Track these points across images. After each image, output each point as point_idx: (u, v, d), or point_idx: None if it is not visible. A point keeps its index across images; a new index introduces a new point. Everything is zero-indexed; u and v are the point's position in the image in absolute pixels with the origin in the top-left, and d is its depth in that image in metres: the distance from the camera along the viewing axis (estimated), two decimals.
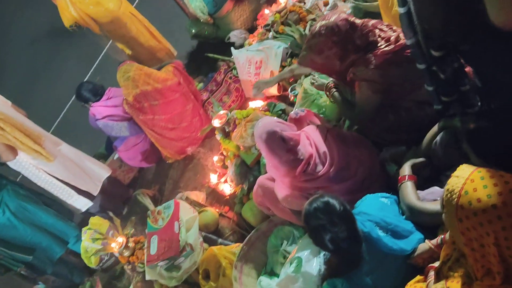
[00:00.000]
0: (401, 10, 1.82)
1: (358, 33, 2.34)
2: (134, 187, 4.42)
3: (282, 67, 3.55)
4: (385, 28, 2.38)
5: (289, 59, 3.57)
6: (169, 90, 3.79)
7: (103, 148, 4.78)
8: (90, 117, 4.06)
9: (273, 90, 3.52)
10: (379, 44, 2.32)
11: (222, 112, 3.50)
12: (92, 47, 6.29)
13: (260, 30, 4.06)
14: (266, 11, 4.22)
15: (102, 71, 6.32)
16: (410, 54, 1.98)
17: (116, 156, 4.45)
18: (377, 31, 2.36)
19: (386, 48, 2.28)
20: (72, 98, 5.96)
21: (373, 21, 2.42)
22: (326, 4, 3.82)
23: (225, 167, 3.47)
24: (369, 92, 2.34)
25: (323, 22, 2.35)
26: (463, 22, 1.57)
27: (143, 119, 3.84)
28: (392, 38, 2.31)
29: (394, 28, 2.39)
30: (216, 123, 3.45)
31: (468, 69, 1.94)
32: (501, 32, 1.38)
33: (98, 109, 4.02)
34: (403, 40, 2.26)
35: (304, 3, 3.87)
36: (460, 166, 1.44)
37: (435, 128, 2.08)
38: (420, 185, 2.05)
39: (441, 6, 1.61)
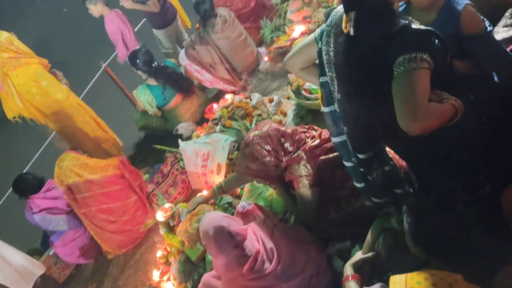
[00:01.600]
0: (326, 109, 1.95)
1: (289, 141, 2.55)
2: (70, 286, 4.10)
3: (229, 159, 3.59)
4: (308, 129, 2.65)
5: (235, 152, 3.62)
6: (109, 182, 3.70)
7: (39, 243, 4.46)
8: (27, 210, 3.83)
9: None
10: (306, 141, 2.55)
11: (167, 205, 3.42)
12: (34, 136, 6.13)
13: (208, 124, 4.14)
14: (214, 105, 4.35)
15: (44, 162, 6.11)
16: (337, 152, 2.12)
17: (51, 252, 4.15)
18: (303, 135, 2.59)
19: (313, 143, 2.50)
20: (9, 191, 5.65)
21: (300, 127, 2.67)
22: (271, 101, 4.00)
23: (168, 263, 3.31)
24: (307, 186, 2.46)
25: (256, 132, 2.57)
26: (384, 128, 1.69)
27: (82, 211, 3.68)
28: (316, 134, 2.57)
29: (316, 127, 2.66)
30: (160, 216, 3.34)
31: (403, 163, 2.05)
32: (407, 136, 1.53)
33: (36, 202, 3.81)
34: (326, 134, 2.51)
35: (250, 99, 4.03)
36: (391, 278, 1.47)
37: (374, 228, 2.13)
38: (366, 282, 2.03)
39: (363, 111, 1.73)
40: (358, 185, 2.09)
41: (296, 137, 2.56)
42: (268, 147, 2.52)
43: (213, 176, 3.56)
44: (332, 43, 1.77)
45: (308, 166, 2.45)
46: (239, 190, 3.31)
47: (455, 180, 1.76)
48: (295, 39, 4.39)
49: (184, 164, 3.85)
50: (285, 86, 4.26)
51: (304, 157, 2.47)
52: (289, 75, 4.10)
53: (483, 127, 1.62)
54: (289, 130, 2.60)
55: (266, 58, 4.68)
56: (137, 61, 4.39)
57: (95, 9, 4.97)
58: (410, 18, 1.66)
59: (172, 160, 4.13)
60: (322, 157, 2.47)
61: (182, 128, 4.50)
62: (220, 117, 3.91)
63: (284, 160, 2.51)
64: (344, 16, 1.66)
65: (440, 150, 1.70)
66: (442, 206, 1.84)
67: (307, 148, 2.49)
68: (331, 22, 1.80)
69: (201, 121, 4.57)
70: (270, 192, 2.96)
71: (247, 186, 3.09)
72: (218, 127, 3.91)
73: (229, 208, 3.18)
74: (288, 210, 2.88)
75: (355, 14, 1.61)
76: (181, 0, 6.02)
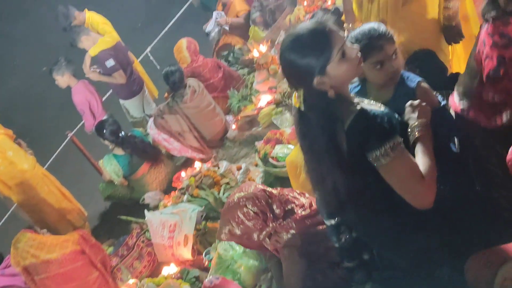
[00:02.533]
0: None
1: (277, 203, 2.45)
2: None
3: (197, 230, 3.51)
4: (297, 196, 2.54)
5: (203, 222, 3.56)
6: (68, 259, 3.52)
7: None
8: None
9: (187, 255, 3.41)
10: (296, 210, 2.44)
11: (131, 281, 3.28)
12: None
13: (175, 193, 4.09)
14: (183, 173, 4.32)
15: (5, 236, 5.83)
16: None
17: None
18: (291, 198, 2.50)
19: (304, 213, 2.40)
20: None
21: (286, 190, 2.58)
22: (239, 169, 4.00)
23: None
24: (294, 256, 2.35)
25: (242, 194, 2.44)
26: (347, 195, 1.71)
27: None
28: (306, 204, 2.46)
29: (307, 195, 2.56)
30: None
31: None
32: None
33: None
34: (315, 205, 2.41)
35: (218, 167, 4.02)
36: None
37: None
38: None
39: (322, 179, 1.75)
40: (336, 244, 2.08)
41: (284, 199, 2.47)
42: (255, 209, 2.38)
43: (180, 248, 3.46)
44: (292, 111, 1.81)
45: (298, 237, 2.34)
46: (206, 262, 3.22)
47: (411, 264, 1.77)
48: (261, 108, 4.50)
49: (150, 236, 3.74)
50: (252, 153, 4.30)
51: (294, 226, 2.36)
52: (256, 143, 4.16)
53: (444, 201, 1.64)
54: (275, 191, 2.51)
55: (234, 126, 4.75)
56: (104, 131, 4.38)
57: (62, 80, 4.99)
58: (359, 99, 1.71)
59: (138, 232, 4.00)
60: (312, 229, 2.37)
61: (149, 197, 4.42)
62: (187, 186, 3.87)
63: (271, 225, 2.39)
64: (294, 93, 1.68)
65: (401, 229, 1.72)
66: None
67: (297, 217, 2.38)
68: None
69: (168, 189, 4.50)
70: (238, 264, 2.88)
71: (214, 259, 3.01)
72: (185, 197, 3.86)
73: (196, 283, 3.07)
74: (257, 283, 2.80)
75: (304, 91, 1.63)
76: (149, 69, 6.17)
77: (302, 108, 1.64)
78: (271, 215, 2.41)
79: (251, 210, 2.39)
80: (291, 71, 1.63)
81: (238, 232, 2.42)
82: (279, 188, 2.59)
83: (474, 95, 1.79)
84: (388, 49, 1.93)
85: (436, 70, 2.65)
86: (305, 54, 1.57)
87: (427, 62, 2.63)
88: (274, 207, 2.43)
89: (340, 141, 1.58)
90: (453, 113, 1.97)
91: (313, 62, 1.56)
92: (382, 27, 1.97)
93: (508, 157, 1.18)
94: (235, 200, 2.44)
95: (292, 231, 2.34)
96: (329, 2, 5.22)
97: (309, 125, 1.67)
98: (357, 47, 1.64)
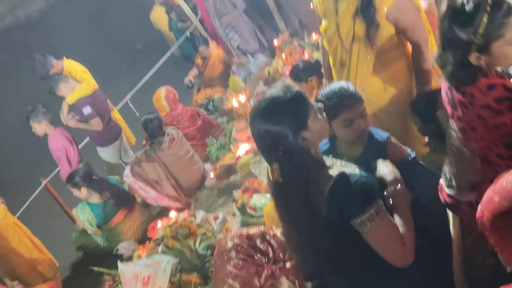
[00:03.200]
0: None
1: (259, 239, 2.43)
2: None
3: (171, 283, 3.41)
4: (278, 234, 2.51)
5: (178, 275, 3.46)
6: None
7: None
8: None
9: None
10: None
11: None
12: None
13: (150, 244, 4.00)
14: (159, 223, 4.24)
15: None
16: None
17: None
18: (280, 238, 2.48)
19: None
20: None
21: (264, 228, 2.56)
22: (216, 218, 3.96)
23: None
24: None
25: (222, 250, 2.43)
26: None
27: None
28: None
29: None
30: None
31: None
32: None
33: None
34: None
35: (195, 217, 3.97)
36: None
37: None
38: None
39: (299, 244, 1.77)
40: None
41: (267, 237, 2.42)
42: (241, 256, 2.35)
43: None
44: (269, 186, 1.79)
45: (297, 283, 2.30)
46: None
47: None
48: (239, 157, 4.51)
49: None
50: (230, 203, 4.27)
51: (291, 271, 2.33)
52: (234, 192, 4.14)
53: (421, 255, 1.65)
54: (252, 231, 2.47)
55: (212, 175, 4.74)
56: (76, 178, 4.29)
57: (39, 128, 4.94)
58: (332, 160, 1.74)
59: (110, 284, 3.87)
60: None
61: (123, 247, 4.30)
62: (162, 237, 3.79)
63: (266, 267, 2.34)
64: (268, 167, 1.67)
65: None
66: None
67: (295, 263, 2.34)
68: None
69: (143, 239, 4.40)
70: None
71: None
72: (160, 248, 3.77)
73: None
74: None
75: (279, 164, 1.62)
76: (128, 116, 6.17)
77: (281, 180, 1.63)
78: (260, 254, 2.38)
79: (238, 259, 2.36)
80: (267, 140, 1.62)
81: (238, 286, 2.36)
82: (258, 227, 2.56)
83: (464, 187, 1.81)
84: (358, 108, 1.99)
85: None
86: (283, 117, 1.58)
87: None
88: (258, 243, 2.40)
89: (321, 209, 1.58)
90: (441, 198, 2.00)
91: (292, 122, 1.58)
92: (351, 87, 2.03)
93: (478, 214, 1.19)
94: (219, 258, 2.42)
95: (292, 277, 2.31)
96: (306, 56, 5.38)
97: (289, 196, 1.67)
98: (321, 105, 1.69)
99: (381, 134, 2.06)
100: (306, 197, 1.60)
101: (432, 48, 2.65)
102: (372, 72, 2.63)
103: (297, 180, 1.61)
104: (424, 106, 2.52)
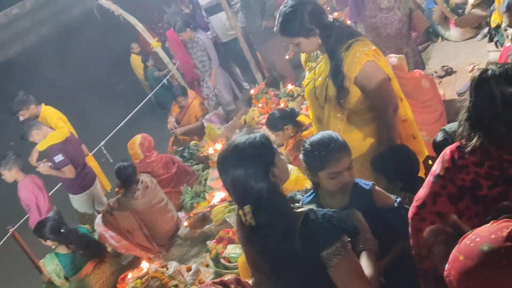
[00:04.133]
0: None
1: (233, 284, 2.38)
2: None
3: None
4: None
5: None
6: None
7: None
8: None
9: None
10: None
11: None
12: None
13: None
14: (129, 274, 4.11)
15: None
16: None
17: None
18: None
19: None
20: None
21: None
22: (189, 270, 3.87)
23: None
24: None
25: None
26: None
27: None
28: None
29: None
30: None
31: None
32: None
33: None
34: None
35: (167, 268, 3.87)
36: None
37: None
38: None
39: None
40: None
41: (242, 282, 2.38)
42: None
43: None
44: (241, 232, 1.79)
45: None
46: None
47: None
48: (214, 205, 4.47)
49: None
50: (204, 253, 4.19)
51: None
52: (208, 242, 4.07)
53: None
54: (229, 277, 2.41)
55: (185, 224, 4.66)
56: (44, 229, 4.14)
57: (9, 175, 4.84)
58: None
59: None
60: None
61: None
62: None
63: None
64: (240, 211, 1.66)
65: None
66: None
67: None
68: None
69: None
70: None
71: None
72: None
73: None
74: None
75: (250, 206, 1.62)
76: (102, 162, 6.08)
77: (254, 223, 1.62)
78: None
79: None
80: (239, 184, 1.64)
81: None
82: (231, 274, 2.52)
83: None
84: (346, 161, 2.02)
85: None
86: (252, 158, 1.63)
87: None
88: (233, 287, 2.35)
89: (295, 245, 1.60)
90: None
91: (262, 162, 1.63)
92: (341, 138, 2.06)
93: (445, 273, 1.21)
94: None
95: None
96: (282, 104, 5.48)
97: (263, 238, 1.66)
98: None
99: (365, 182, 2.09)
100: (280, 236, 1.61)
101: (405, 115, 2.73)
102: (345, 130, 2.67)
103: (270, 220, 1.63)
104: (384, 165, 2.56)
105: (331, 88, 2.58)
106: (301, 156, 2.18)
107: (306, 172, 2.21)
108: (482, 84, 1.57)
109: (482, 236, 1.11)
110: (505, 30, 2.28)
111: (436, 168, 1.67)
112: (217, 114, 6.47)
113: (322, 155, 1.99)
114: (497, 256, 1.06)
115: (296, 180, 3.65)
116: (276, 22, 2.55)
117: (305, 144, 2.12)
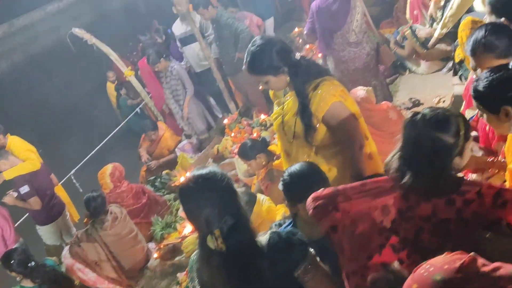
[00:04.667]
0: None
1: None
2: None
3: None
4: None
5: None
6: None
7: None
8: None
9: None
10: None
11: None
12: None
13: None
14: None
15: None
16: None
17: None
18: None
19: None
20: None
21: None
22: None
23: None
24: None
25: None
26: None
27: None
28: None
29: None
30: None
31: None
32: None
33: None
34: None
35: None
36: None
37: None
38: None
39: None
40: None
41: None
42: None
43: None
44: (202, 268, 1.77)
45: None
46: None
47: None
48: (185, 236, 4.42)
49: None
50: (174, 285, 4.13)
51: None
52: (178, 274, 4.00)
53: None
54: None
55: (155, 255, 4.58)
56: (11, 262, 4.02)
57: None
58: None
59: None
60: None
61: None
62: None
63: None
64: (208, 236, 1.67)
65: None
66: None
67: None
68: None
69: None
70: None
71: None
72: None
73: None
74: None
75: (220, 230, 1.63)
76: (71, 193, 5.96)
77: (224, 248, 1.62)
78: None
79: None
80: (210, 209, 1.65)
81: None
82: None
83: None
84: None
85: None
86: (220, 187, 1.68)
87: None
88: None
89: (265, 268, 1.62)
90: None
91: (229, 188, 1.69)
92: (321, 171, 2.09)
93: None
94: None
95: None
96: (255, 134, 5.53)
97: (235, 264, 1.65)
98: None
99: None
100: (251, 260, 1.64)
101: (370, 152, 2.79)
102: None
103: (241, 244, 1.64)
104: None
105: (299, 125, 2.61)
106: (280, 187, 2.21)
107: (285, 202, 2.24)
108: (412, 127, 1.65)
109: (436, 266, 1.15)
110: (474, 70, 2.35)
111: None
112: (190, 143, 6.48)
113: (302, 187, 2.02)
114: (449, 285, 1.10)
115: (268, 210, 3.66)
116: (245, 61, 2.58)
117: (285, 175, 2.15)
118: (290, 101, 2.68)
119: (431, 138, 1.60)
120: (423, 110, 1.67)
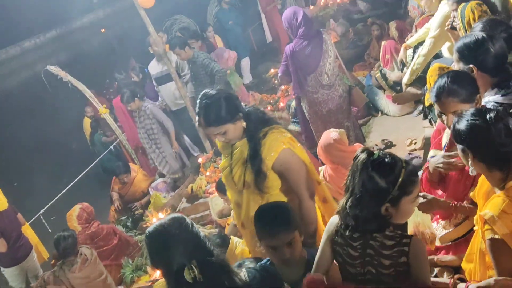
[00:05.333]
0: None
1: None
2: None
3: None
4: None
5: None
6: None
7: None
8: None
9: None
10: None
11: None
12: None
13: None
14: None
15: None
16: None
17: None
18: None
19: None
20: None
21: None
22: None
23: None
24: None
25: None
26: None
27: None
28: None
29: None
30: None
31: None
32: None
33: None
34: None
35: None
36: None
37: None
38: None
39: None
40: None
41: None
42: None
43: None
44: None
45: None
46: None
47: None
48: (156, 279, 4.30)
49: None
50: None
51: None
52: None
53: None
54: None
55: None
56: None
57: None
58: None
59: None
60: None
61: None
62: None
63: None
64: (185, 269, 1.65)
65: None
66: None
67: None
68: None
69: None
70: None
71: None
72: None
73: None
74: None
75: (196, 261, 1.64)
76: (40, 231, 5.77)
77: (202, 279, 1.61)
78: None
79: None
80: (184, 250, 1.67)
81: None
82: None
83: None
84: (284, 237, 2.02)
85: None
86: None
87: None
88: None
89: None
90: None
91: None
92: (286, 214, 2.09)
93: None
94: None
95: None
96: None
97: None
98: None
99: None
100: None
101: (324, 196, 2.81)
102: None
103: (217, 274, 1.64)
104: None
105: (249, 173, 2.57)
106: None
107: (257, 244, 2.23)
108: (357, 169, 1.76)
109: None
110: (439, 116, 2.41)
111: None
112: (163, 182, 6.41)
113: (259, 227, 2.01)
114: None
115: (241, 253, 3.61)
116: (198, 117, 2.54)
117: (256, 212, 2.14)
118: (238, 151, 2.63)
119: (367, 175, 1.70)
120: (379, 152, 1.73)
